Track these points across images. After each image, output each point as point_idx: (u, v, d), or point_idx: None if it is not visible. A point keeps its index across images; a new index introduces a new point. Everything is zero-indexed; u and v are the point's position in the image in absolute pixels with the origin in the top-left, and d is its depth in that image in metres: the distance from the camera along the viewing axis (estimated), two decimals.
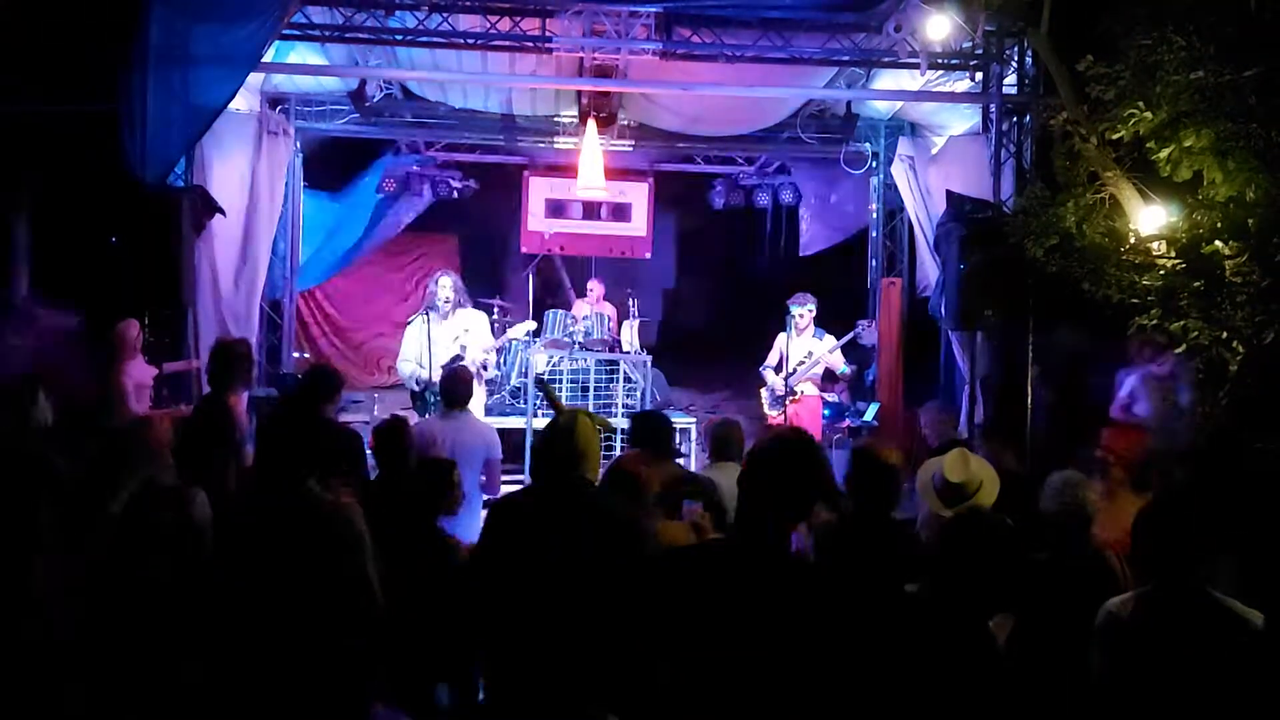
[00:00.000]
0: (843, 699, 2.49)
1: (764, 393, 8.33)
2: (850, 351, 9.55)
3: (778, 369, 8.25)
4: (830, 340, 8.07)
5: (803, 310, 7.95)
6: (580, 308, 10.08)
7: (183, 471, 3.67)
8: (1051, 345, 7.02)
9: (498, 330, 9.97)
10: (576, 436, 3.19)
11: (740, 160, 11.04)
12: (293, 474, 3.12)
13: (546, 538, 3.10)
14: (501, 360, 8.79)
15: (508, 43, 7.19)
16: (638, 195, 11.35)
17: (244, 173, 7.90)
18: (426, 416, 6.53)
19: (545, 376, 8.18)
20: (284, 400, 4.77)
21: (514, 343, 8.67)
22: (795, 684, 2.42)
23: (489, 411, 8.30)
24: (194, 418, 4.84)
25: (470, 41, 7.18)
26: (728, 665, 2.45)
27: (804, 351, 7.95)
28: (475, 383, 5.89)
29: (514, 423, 8.40)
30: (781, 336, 8.28)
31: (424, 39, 7.17)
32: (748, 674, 2.43)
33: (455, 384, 5.38)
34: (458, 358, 7.12)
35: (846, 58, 7.50)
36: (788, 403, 7.90)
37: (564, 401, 8.03)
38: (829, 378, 8.34)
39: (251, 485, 3.39)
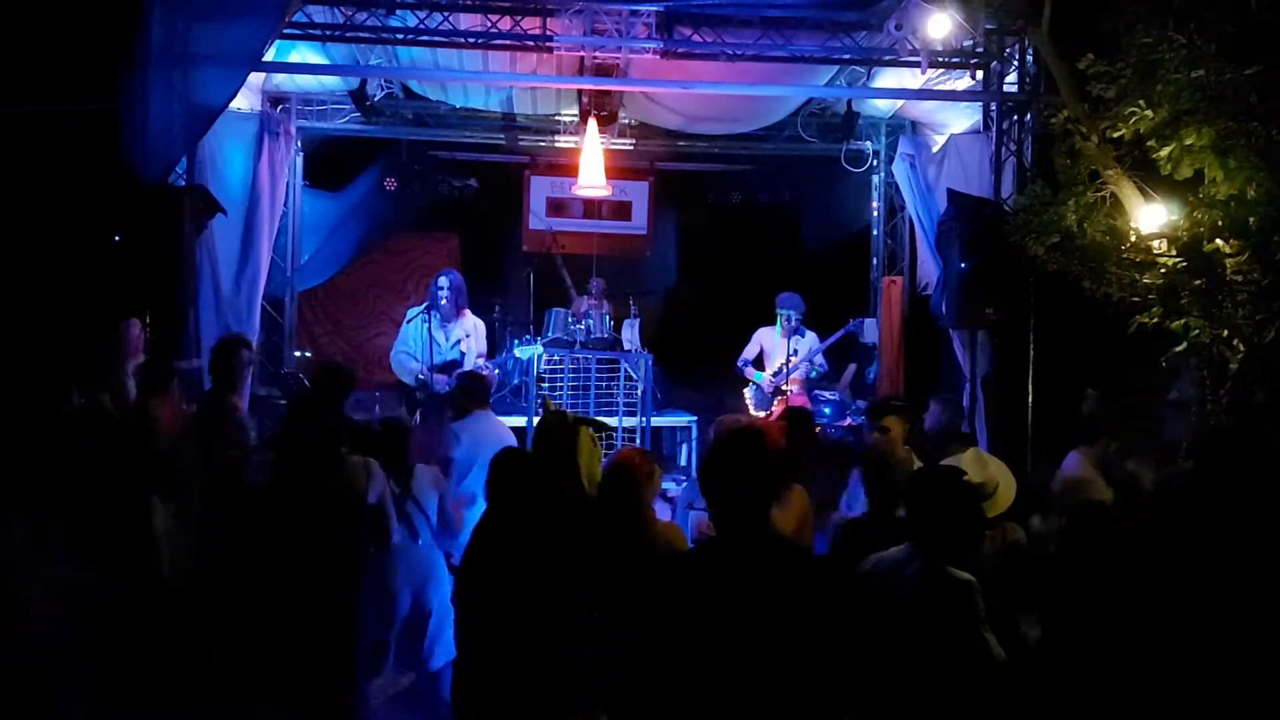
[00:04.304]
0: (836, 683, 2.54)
1: (748, 392, 8.31)
2: (850, 349, 9.54)
3: (758, 364, 8.24)
4: (813, 337, 8.09)
5: (791, 313, 7.97)
6: (581, 306, 10.07)
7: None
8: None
9: (499, 332, 9.99)
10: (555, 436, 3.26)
11: (741, 159, 11.03)
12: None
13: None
14: (503, 359, 8.81)
15: (508, 42, 7.19)
16: (638, 194, 11.36)
17: (245, 172, 7.90)
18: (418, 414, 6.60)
19: (546, 373, 8.20)
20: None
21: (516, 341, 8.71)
22: (789, 670, 2.47)
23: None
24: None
25: (471, 40, 7.18)
26: (723, 655, 2.49)
27: (790, 350, 7.94)
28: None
29: (515, 421, 8.41)
30: (765, 331, 8.27)
31: (425, 38, 7.17)
32: (743, 663, 2.47)
33: (476, 383, 5.44)
34: (455, 363, 7.15)
35: (847, 56, 7.51)
36: (775, 402, 7.88)
37: (564, 400, 8.06)
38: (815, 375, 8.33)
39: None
